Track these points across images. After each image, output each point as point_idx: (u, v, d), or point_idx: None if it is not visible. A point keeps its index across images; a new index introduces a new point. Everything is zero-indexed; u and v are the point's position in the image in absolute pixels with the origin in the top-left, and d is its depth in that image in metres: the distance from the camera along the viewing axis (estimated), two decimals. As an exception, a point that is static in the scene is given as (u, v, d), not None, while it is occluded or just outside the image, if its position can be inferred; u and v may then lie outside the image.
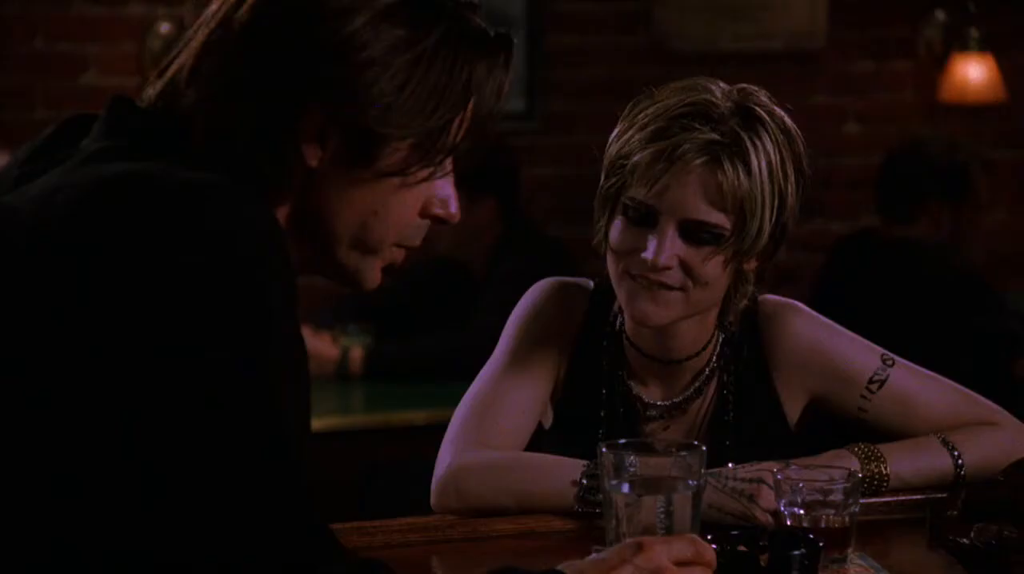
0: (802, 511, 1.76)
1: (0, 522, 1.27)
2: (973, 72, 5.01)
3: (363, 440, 3.70)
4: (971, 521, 1.83)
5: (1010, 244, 5.10)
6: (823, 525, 1.75)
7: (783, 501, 1.78)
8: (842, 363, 2.05)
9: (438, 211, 1.47)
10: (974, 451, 2.01)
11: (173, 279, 1.26)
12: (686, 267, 1.93)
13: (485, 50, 1.44)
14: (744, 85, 1.98)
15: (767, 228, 1.93)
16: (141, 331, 1.25)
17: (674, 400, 2.07)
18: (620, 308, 2.05)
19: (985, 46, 5.01)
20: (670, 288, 1.93)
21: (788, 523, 1.77)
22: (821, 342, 2.06)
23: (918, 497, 1.98)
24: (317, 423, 3.28)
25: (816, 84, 5.14)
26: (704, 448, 1.61)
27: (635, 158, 1.92)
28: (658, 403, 2.07)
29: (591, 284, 2.11)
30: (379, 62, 1.38)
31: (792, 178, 1.95)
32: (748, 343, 2.06)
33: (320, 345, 4.03)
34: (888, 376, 2.05)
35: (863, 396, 2.04)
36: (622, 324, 2.07)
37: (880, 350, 2.07)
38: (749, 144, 1.90)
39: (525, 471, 1.95)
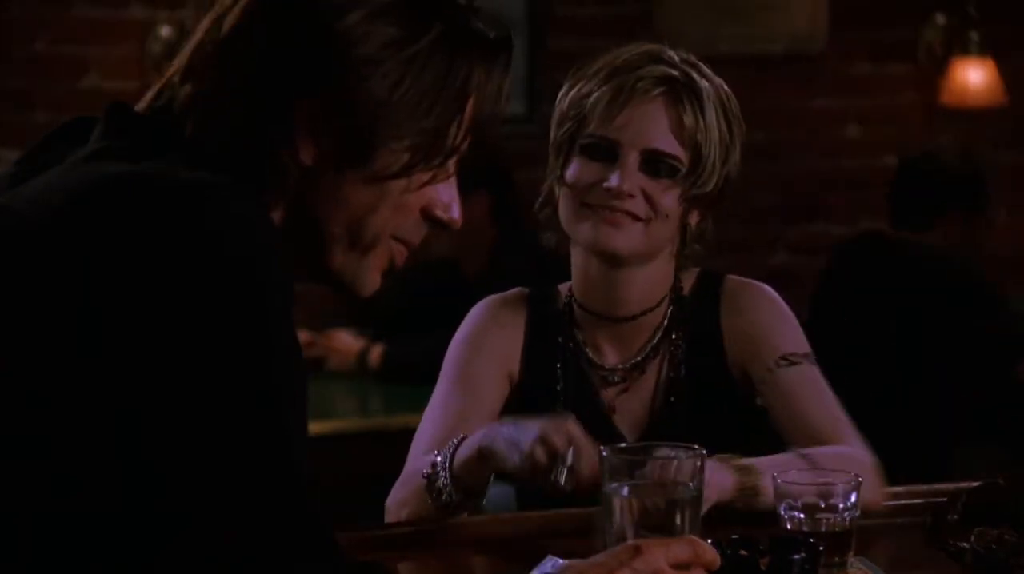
0: (802, 515, 1.76)
1: (0, 522, 1.27)
2: (973, 75, 5.01)
3: (362, 443, 3.70)
4: (971, 525, 1.83)
5: (1010, 247, 5.10)
6: (823, 529, 1.74)
7: (783, 505, 1.78)
8: (767, 334, 2.07)
9: (439, 214, 1.46)
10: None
11: (171, 279, 1.26)
12: (648, 197, 1.99)
13: (484, 52, 1.43)
14: (681, 54, 2.06)
15: (717, 169, 2.00)
16: (140, 331, 1.25)
17: (632, 361, 2.08)
18: (571, 288, 2.10)
19: (985, 50, 5.01)
20: (635, 218, 1.98)
21: (788, 527, 1.77)
22: (761, 314, 2.09)
23: (918, 501, 1.99)
24: (316, 428, 3.28)
25: (816, 87, 5.15)
26: (704, 451, 1.61)
27: (594, 96, 2.00)
28: (617, 367, 2.08)
29: (526, 291, 2.15)
30: (373, 59, 1.37)
31: (735, 132, 2.03)
32: (707, 313, 2.09)
33: (343, 339, 4.06)
34: (800, 364, 2.05)
35: (768, 369, 2.05)
36: (570, 295, 2.11)
37: (809, 350, 2.07)
38: (701, 84, 2.00)
39: (406, 490, 1.98)
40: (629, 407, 2.08)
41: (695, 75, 2.01)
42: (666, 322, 2.09)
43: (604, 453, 1.62)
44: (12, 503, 1.27)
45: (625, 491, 1.57)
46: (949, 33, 5.09)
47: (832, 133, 5.15)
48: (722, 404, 2.07)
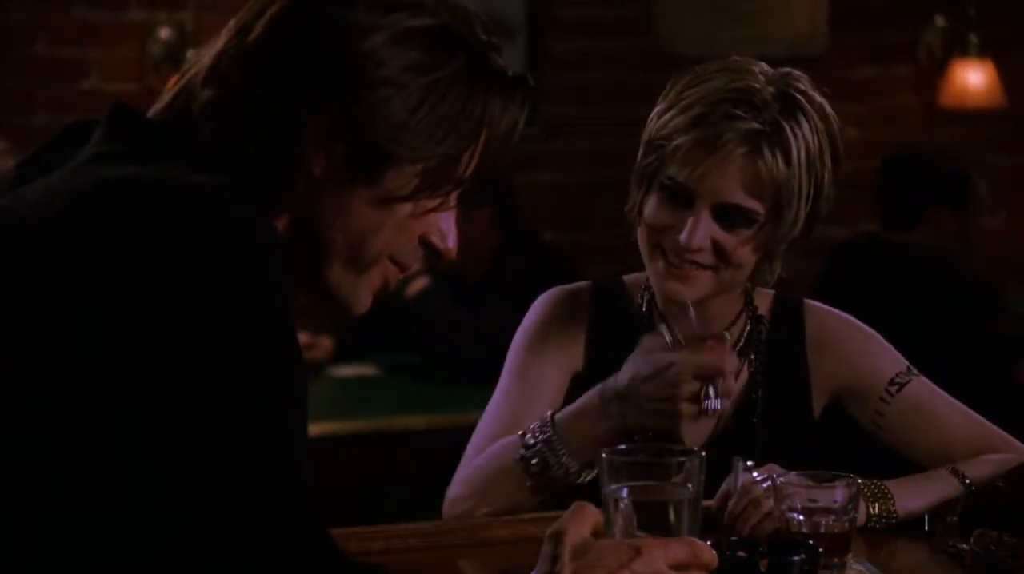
0: (802, 517, 1.76)
1: (0, 522, 1.28)
2: (973, 77, 5.02)
3: (362, 446, 3.71)
4: (971, 527, 1.83)
5: (1009, 248, 5.10)
6: (823, 530, 1.75)
7: (783, 507, 1.78)
8: (867, 363, 2.09)
9: (436, 242, 1.48)
10: (982, 473, 2.00)
11: (171, 279, 1.26)
12: (719, 249, 1.96)
13: (502, 87, 1.45)
14: (788, 69, 2.01)
15: (803, 215, 1.97)
16: (139, 331, 1.25)
17: None
18: (646, 287, 2.10)
19: (985, 51, 5.01)
20: (702, 267, 1.96)
21: (788, 529, 1.77)
22: (856, 340, 2.11)
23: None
24: (317, 429, 3.28)
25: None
26: (704, 454, 1.61)
27: (676, 141, 1.94)
28: None
29: (589, 284, 2.14)
30: (394, 81, 1.39)
31: (829, 165, 2.00)
32: (788, 340, 2.09)
33: None
34: (910, 381, 2.08)
35: (882, 398, 2.06)
36: (650, 301, 2.10)
37: (907, 362, 2.10)
38: (790, 133, 1.94)
39: (487, 471, 1.98)
40: (698, 420, 2.08)
41: (784, 118, 1.94)
42: (742, 342, 2.09)
43: (604, 454, 1.62)
44: (12, 503, 1.27)
45: (625, 492, 1.57)
46: (949, 35, 5.10)
47: (831, 135, 5.14)
48: (796, 429, 2.08)
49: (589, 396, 1.92)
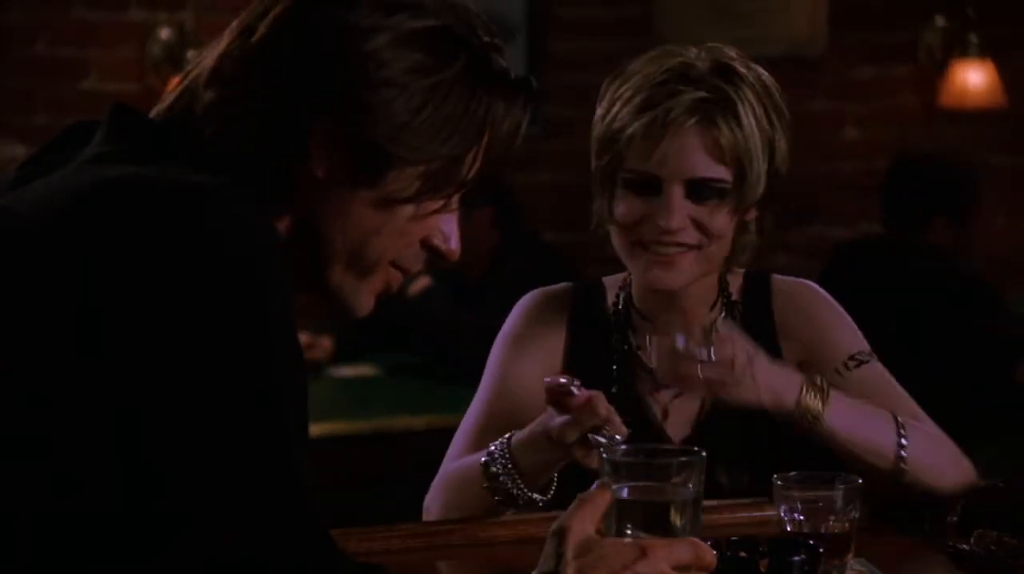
0: (802, 517, 1.76)
1: (0, 522, 1.28)
2: (973, 78, 5.02)
3: (362, 446, 3.71)
4: (971, 527, 1.83)
5: (1009, 248, 5.10)
6: (823, 531, 1.75)
7: (783, 506, 1.78)
8: (831, 335, 2.08)
9: (439, 243, 1.48)
10: (920, 442, 1.98)
11: (171, 279, 1.26)
12: (698, 224, 1.97)
13: (505, 89, 1.46)
14: (713, 44, 2.02)
15: (763, 175, 1.98)
16: (139, 331, 1.25)
17: None
18: (622, 287, 2.10)
19: (985, 51, 5.01)
20: (688, 247, 1.97)
21: (788, 529, 1.77)
22: (820, 314, 2.10)
23: (918, 503, 1.99)
24: (317, 429, 3.28)
25: (816, 89, 5.15)
26: (704, 454, 1.61)
27: (628, 131, 1.97)
28: None
29: (570, 285, 2.15)
30: (397, 82, 1.39)
31: (777, 124, 2.00)
32: (760, 312, 2.09)
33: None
34: (869, 362, 2.06)
35: (838, 371, 2.04)
36: (627, 299, 2.10)
37: (868, 346, 2.09)
38: (735, 96, 1.96)
39: (455, 484, 1.98)
40: (681, 412, 2.08)
41: (726, 85, 1.96)
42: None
43: (604, 454, 1.62)
44: (12, 503, 1.27)
45: (625, 493, 1.57)
46: (948, 35, 5.10)
47: (831, 135, 5.16)
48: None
49: (538, 423, 1.89)
